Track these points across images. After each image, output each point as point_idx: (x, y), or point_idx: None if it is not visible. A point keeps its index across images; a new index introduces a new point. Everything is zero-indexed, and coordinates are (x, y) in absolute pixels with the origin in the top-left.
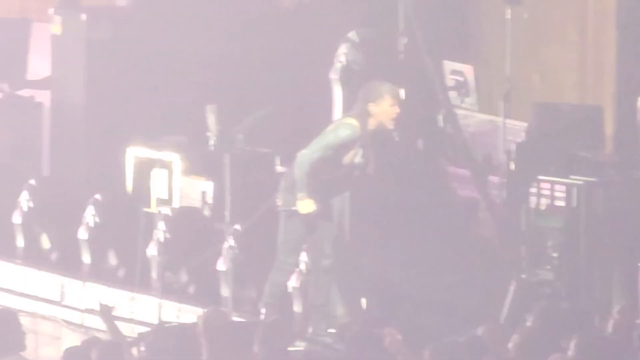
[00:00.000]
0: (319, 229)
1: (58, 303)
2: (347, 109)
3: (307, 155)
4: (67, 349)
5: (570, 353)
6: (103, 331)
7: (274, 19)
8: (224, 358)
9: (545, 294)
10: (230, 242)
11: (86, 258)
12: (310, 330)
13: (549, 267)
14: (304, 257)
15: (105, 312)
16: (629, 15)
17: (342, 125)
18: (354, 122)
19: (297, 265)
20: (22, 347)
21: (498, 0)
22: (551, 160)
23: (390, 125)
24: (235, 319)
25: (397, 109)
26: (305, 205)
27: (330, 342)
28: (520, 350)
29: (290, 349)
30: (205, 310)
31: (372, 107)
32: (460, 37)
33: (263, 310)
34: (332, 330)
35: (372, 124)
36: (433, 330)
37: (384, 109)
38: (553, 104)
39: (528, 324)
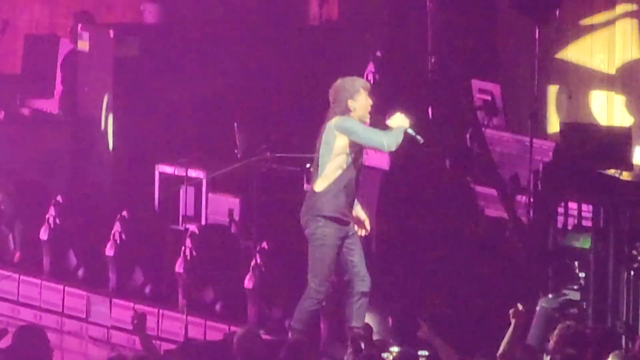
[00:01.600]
0: (353, 252)
1: (84, 319)
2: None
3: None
4: None
5: None
6: (128, 347)
7: (301, 38)
8: None
9: (572, 314)
10: (257, 259)
11: (112, 274)
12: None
13: (575, 287)
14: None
15: (139, 321)
16: None
17: (329, 131)
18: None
19: (328, 293)
20: None
21: (526, 20)
22: (578, 180)
23: (366, 119)
24: (264, 337)
25: (371, 101)
26: (399, 119)
27: None
28: None
29: None
30: (239, 329)
31: (352, 103)
32: (488, 56)
33: (290, 335)
34: None
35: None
36: (460, 350)
37: (362, 103)
38: (581, 123)
39: (551, 344)
